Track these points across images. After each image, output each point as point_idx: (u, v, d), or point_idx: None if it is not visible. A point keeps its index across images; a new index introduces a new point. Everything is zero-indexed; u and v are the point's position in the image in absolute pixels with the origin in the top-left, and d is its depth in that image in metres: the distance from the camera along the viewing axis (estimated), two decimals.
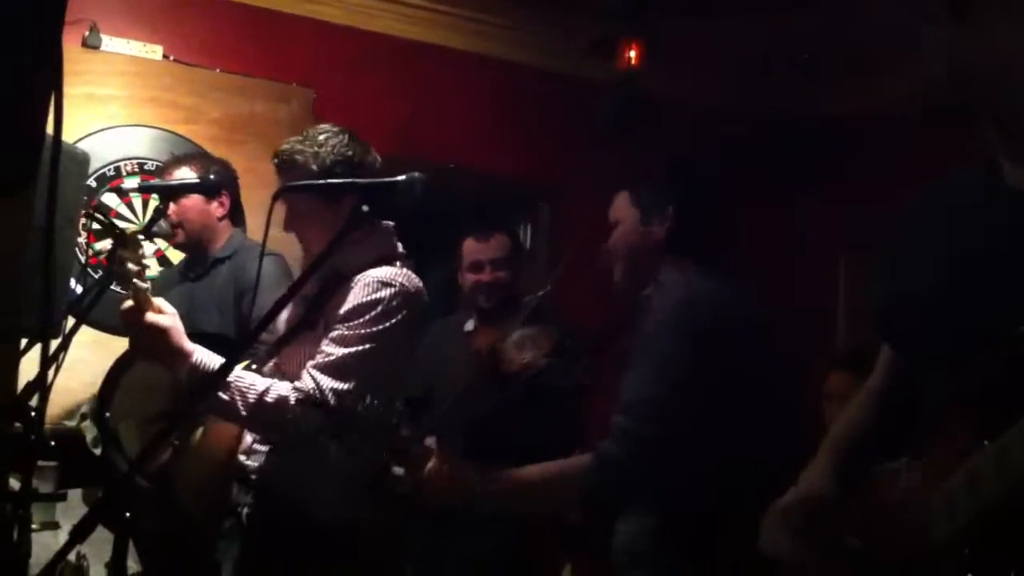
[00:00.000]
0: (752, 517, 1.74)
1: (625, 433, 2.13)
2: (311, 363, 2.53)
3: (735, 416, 2.16)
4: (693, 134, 5.00)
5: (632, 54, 4.90)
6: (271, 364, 2.69)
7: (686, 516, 2.17)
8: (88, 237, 4.17)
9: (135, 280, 2.36)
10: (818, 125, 5.48)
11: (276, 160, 2.68)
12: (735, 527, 1.92)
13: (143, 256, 2.37)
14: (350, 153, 2.66)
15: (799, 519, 1.62)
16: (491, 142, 5.28)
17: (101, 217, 2.59)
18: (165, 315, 2.42)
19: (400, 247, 2.75)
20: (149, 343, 2.41)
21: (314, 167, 2.63)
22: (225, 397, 2.44)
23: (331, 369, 2.51)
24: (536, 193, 5.44)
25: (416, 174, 1.97)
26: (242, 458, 2.67)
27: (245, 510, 2.64)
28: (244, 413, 2.45)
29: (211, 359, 2.48)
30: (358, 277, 2.62)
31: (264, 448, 2.65)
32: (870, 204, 5.28)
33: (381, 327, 2.56)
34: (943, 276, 1.52)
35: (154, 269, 4.30)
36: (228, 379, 2.43)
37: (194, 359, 2.45)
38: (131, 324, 2.42)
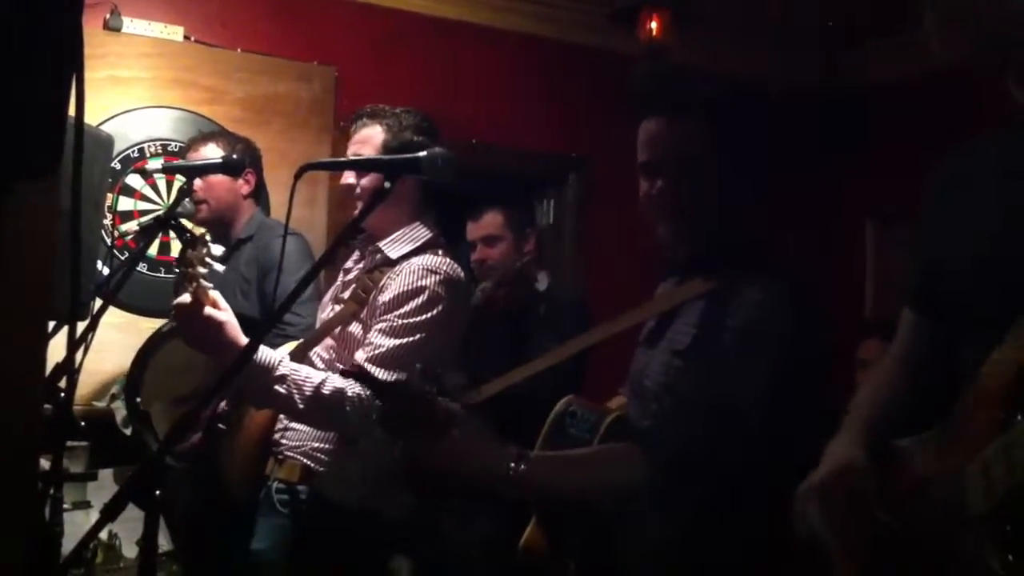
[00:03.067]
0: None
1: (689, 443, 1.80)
2: (362, 355, 2.55)
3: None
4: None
5: (654, 25, 4.86)
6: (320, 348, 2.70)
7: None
8: (114, 219, 4.19)
9: (201, 280, 2.38)
10: (843, 94, 5.44)
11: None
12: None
13: (209, 254, 2.40)
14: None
15: (836, 493, 1.57)
16: (515, 117, 5.26)
17: (175, 221, 2.60)
18: (222, 311, 2.44)
19: (441, 237, 2.77)
20: (206, 337, 2.41)
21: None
22: (282, 391, 2.45)
23: (383, 360, 2.51)
24: (562, 167, 5.42)
25: (438, 149, 1.96)
26: (277, 436, 2.70)
27: (275, 484, 2.66)
28: (301, 406, 2.45)
29: (268, 352, 2.50)
30: (403, 264, 2.63)
31: (297, 426, 2.66)
32: (897, 172, 5.29)
33: (428, 315, 2.57)
34: (993, 237, 1.47)
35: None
36: (284, 372, 2.45)
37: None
38: (187, 318, 2.43)
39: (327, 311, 2.82)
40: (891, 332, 4.12)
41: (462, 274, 2.71)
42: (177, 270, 2.55)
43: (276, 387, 2.45)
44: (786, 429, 1.75)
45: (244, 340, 2.45)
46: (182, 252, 2.40)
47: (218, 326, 2.40)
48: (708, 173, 1.85)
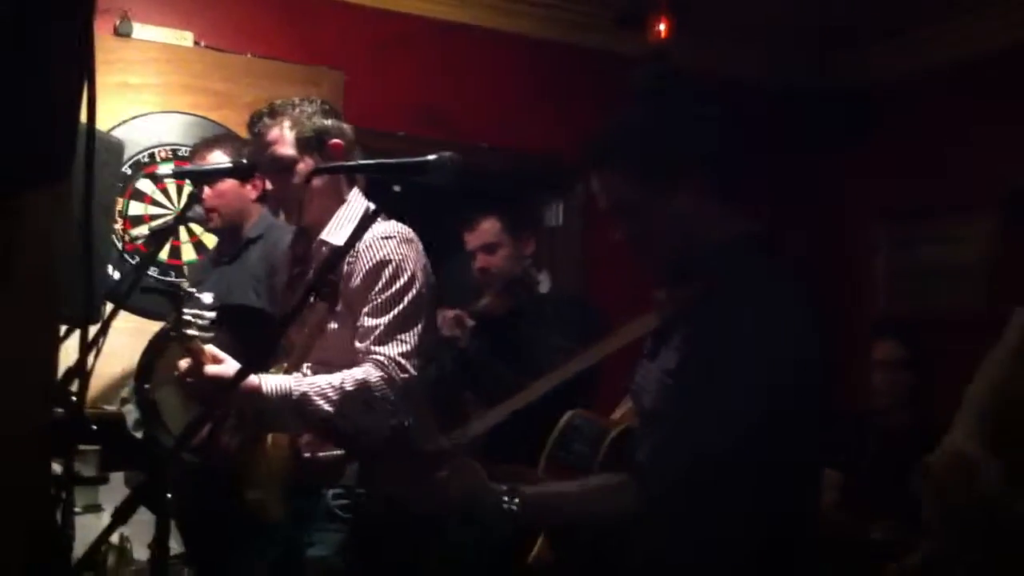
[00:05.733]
0: None
1: (671, 464, 1.79)
2: (363, 343, 2.56)
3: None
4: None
5: (662, 27, 4.87)
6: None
7: None
8: (124, 224, 4.21)
9: (195, 338, 2.41)
10: (848, 94, 5.44)
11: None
12: None
13: (199, 305, 2.42)
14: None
15: (950, 480, 1.55)
16: (522, 121, 5.27)
17: (164, 287, 2.62)
18: (223, 363, 2.47)
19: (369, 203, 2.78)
20: (216, 392, 2.43)
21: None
22: (309, 407, 2.49)
23: (384, 338, 2.55)
24: (569, 171, 5.42)
25: (447, 153, 1.97)
26: (307, 455, 2.69)
27: (331, 492, 2.67)
28: (332, 410, 2.48)
29: (280, 380, 2.53)
30: (357, 243, 2.62)
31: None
32: (908, 171, 5.29)
33: (403, 279, 2.61)
34: None
35: (190, 255, 4.35)
36: (303, 390, 2.49)
37: (265, 389, 2.50)
38: (192, 379, 2.47)
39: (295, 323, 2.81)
40: (904, 331, 4.10)
41: (410, 229, 2.72)
42: (172, 334, 2.56)
43: (303, 407, 2.49)
44: (772, 450, 1.72)
45: (255, 380, 2.49)
46: (176, 316, 2.42)
47: (221, 380, 2.43)
48: (643, 210, 1.88)
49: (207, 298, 2.48)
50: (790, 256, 2.15)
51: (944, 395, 4.35)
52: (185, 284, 2.46)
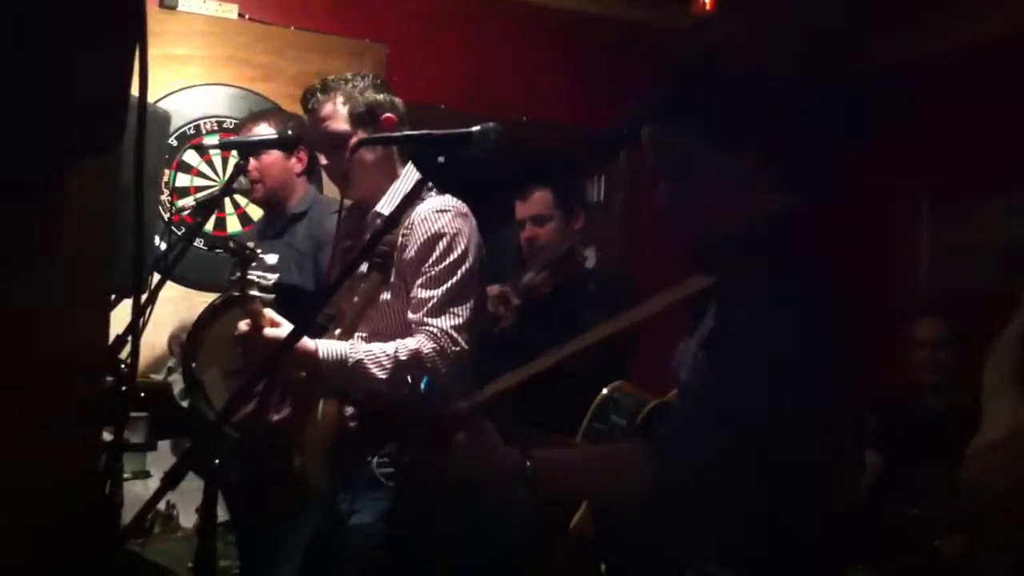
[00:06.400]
0: None
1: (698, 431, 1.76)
2: (415, 314, 2.59)
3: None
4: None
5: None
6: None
7: None
8: (171, 195, 4.25)
9: (257, 299, 2.43)
10: (880, 73, 5.37)
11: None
12: None
13: (263, 266, 2.44)
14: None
15: (1019, 452, 1.52)
16: (565, 95, 5.25)
17: (232, 245, 2.64)
18: (281, 326, 2.49)
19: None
20: (272, 356, 2.43)
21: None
22: (363, 375, 2.51)
23: (438, 310, 2.56)
24: (612, 143, 5.39)
25: (491, 124, 1.97)
26: (353, 424, 2.72)
27: (376, 460, 2.67)
28: (386, 377, 2.50)
29: (336, 346, 2.55)
30: (412, 215, 2.65)
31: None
32: (952, 149, 5.22)
33: (457, 253, 2.62)
34: None
35: (235, 227, 4.38)
36: (358, 358, 2.51)
37: (321, 354, 2.52)
38: (252, 344, 2.49)
39: (345, 291, 2.82)
40: (945, 310, 4.05)
41: (464, 204, 2.73)
42: (236, 294, 2.59)
43: (356, 374, 2.51)
44: (800, 426, 1.70)
45: (311, 344, 2.51)
46: (240, 275, 2.44)
47: (278, 343, 2.45)
48: (698, 172, 1.84)
49: (271, 259, 2.50)
50: (830, 232, 2.11)
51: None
52: (252, 244, 2.47)
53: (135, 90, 1.26)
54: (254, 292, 2.42)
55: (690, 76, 1.94)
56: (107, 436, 1.99)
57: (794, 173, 1.87)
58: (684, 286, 1.91)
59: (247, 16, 4.59)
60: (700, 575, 1.77)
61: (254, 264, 2.45)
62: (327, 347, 2.54)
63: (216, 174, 4.42)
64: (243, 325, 2.49)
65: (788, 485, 1.72)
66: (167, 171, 4.21)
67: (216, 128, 4.44)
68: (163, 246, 3.37)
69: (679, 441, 1.77)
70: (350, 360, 2.52)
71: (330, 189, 3.89)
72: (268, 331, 2.46)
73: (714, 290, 1.87)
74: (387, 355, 2.53)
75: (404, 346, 2.53)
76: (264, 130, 3.49)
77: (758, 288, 1.74)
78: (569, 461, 1.95)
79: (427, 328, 2.57)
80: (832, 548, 1.81)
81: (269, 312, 2.47)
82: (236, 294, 2.55)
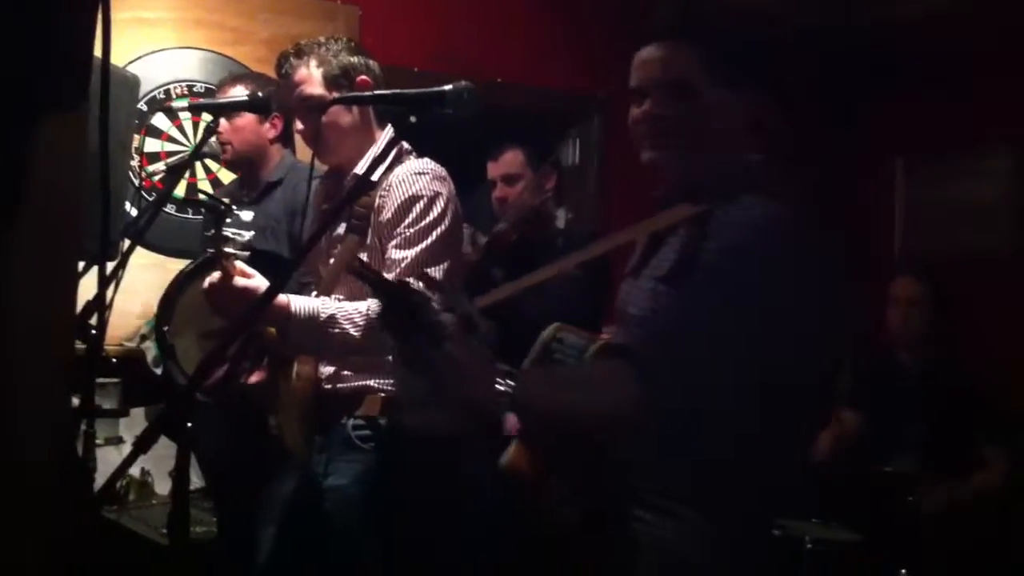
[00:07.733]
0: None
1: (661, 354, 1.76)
2: (389, 274, 2.56)
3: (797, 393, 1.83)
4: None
5: None
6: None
7: (742, 526, 1.79)
8: (141, 160, 4.21)
9: (231, 256, 2.41)
10: (865, 32, 5.36)
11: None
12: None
13: (238, 223, 2.42)
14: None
15: None
16: (538, 56, 5.22)
17: (207, 199, 2.61)
18: (253, 278, 2.46)
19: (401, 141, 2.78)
20: (240, 307, 2.43)
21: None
22: (336, 331, 2.51)
23: (411, 270, 2.55)
24: (587, 107, 5.38)
25: (464, 82, 1.97)
26: (328, 383, 2.71)
27: (351, 422, 2.67)
28: (358, 335, 2.51)
29: (308, 302, 2.54)
30: (388, 179, 2.65)
31: (352, 363, 2.68)
32: (928, 107, 5.22)
33: (434, 215, 2.62)
34: None
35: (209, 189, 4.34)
36: (331, 312, 2.51)
37: (294, 308, 2.51)
38: (220, 294, 2.46)
39: (322, 254, 2.82)
40: (920, 268, 4.09)
41: (442, 168, 2.73)
42: (209, 251, 2.56)
43: (329, 329, 2.51)
44: (775, 350, 1.71)
45: (283, 298, 2.49)
46: (215, 230, 2.41)
47: (249, 293, 2.43)
48: (696, 96, 1.84)
49: (246, 215, 2.48)
50: (809, 189, 2.13)
51: (967, 334, 4.39)
52: (228, 200, 2.44)
53: (99, 52, 1.24)
54: (228, 249, 2.40)
55: (700, 2, 1.94)
56: (75, 402, 1.98)
57: (789, 119, 1.87)
58: (668, 214, 1.90)
59: None
60: (649, 510, 1.78)
61: (228, 220, 2.42)
62: (299, 302, 2.53)
63: (187, 139, 4.37)
64: (213, 276, 2.47)
65: (759, 425, 1.72)
66: (137, 136, 4.16)
67: (187, 92, 4.39)
68: (134, 212, 3.34)
69: (659, 355, 1.76)
70: (322, 315, 2.52)
71: (301, 151, 3.86)
72: (238, 280, 2.44)
73: (691, 220, 1.85)
74: (360, 312, 2.53)
75: (377, 304, 2.51)
76: (239, 92, 3.44)
77: (744, 224, 1.74)
78: (553, 378, 1.93)
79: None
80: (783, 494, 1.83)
81: (240, 264, 2.45)
82: (209, 255, 2.52)
